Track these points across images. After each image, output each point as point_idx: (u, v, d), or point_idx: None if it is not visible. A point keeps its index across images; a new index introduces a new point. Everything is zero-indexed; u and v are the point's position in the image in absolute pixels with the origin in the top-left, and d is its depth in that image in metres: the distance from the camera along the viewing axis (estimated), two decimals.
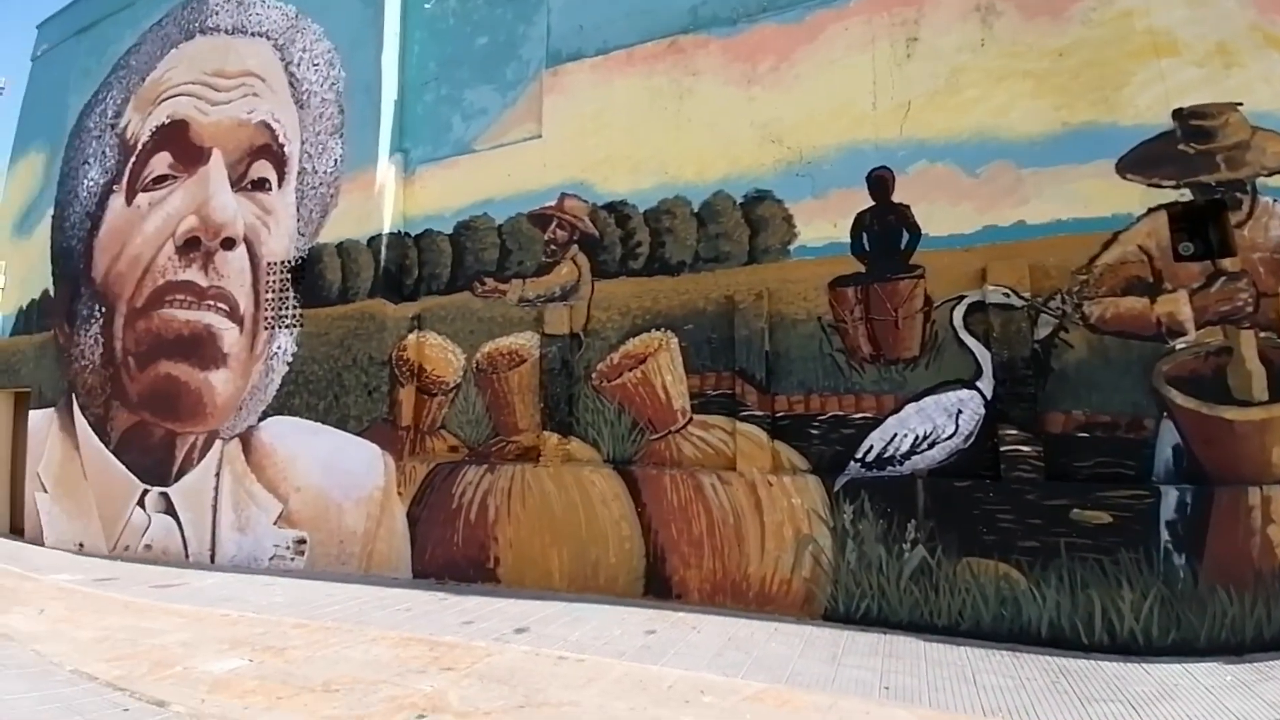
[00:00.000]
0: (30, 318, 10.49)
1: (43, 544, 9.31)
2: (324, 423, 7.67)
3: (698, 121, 6.56)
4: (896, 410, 5.40)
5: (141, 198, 9.31)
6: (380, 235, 7.76)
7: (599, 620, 5.36)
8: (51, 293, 10.09)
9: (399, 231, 7.87)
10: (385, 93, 8.05)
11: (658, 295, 6.47)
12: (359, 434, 7.49)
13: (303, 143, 8.36)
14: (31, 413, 9.98)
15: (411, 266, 7.79)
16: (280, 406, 7.92)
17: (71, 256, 9.85)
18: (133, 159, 9.52)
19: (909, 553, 5.08)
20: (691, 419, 6.17)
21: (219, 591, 6.44)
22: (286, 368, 7.97)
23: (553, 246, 7.06)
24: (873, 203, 5.71)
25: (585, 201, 7.00)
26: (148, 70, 9.72)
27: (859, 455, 5.46)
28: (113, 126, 9.89)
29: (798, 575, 5.41)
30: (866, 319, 5.59)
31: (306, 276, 8.05)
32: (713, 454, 6.01)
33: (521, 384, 6.99)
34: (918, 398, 5.34)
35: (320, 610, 5.63)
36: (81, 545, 8.89)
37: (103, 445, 8.94)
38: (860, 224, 5.74)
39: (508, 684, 3.96)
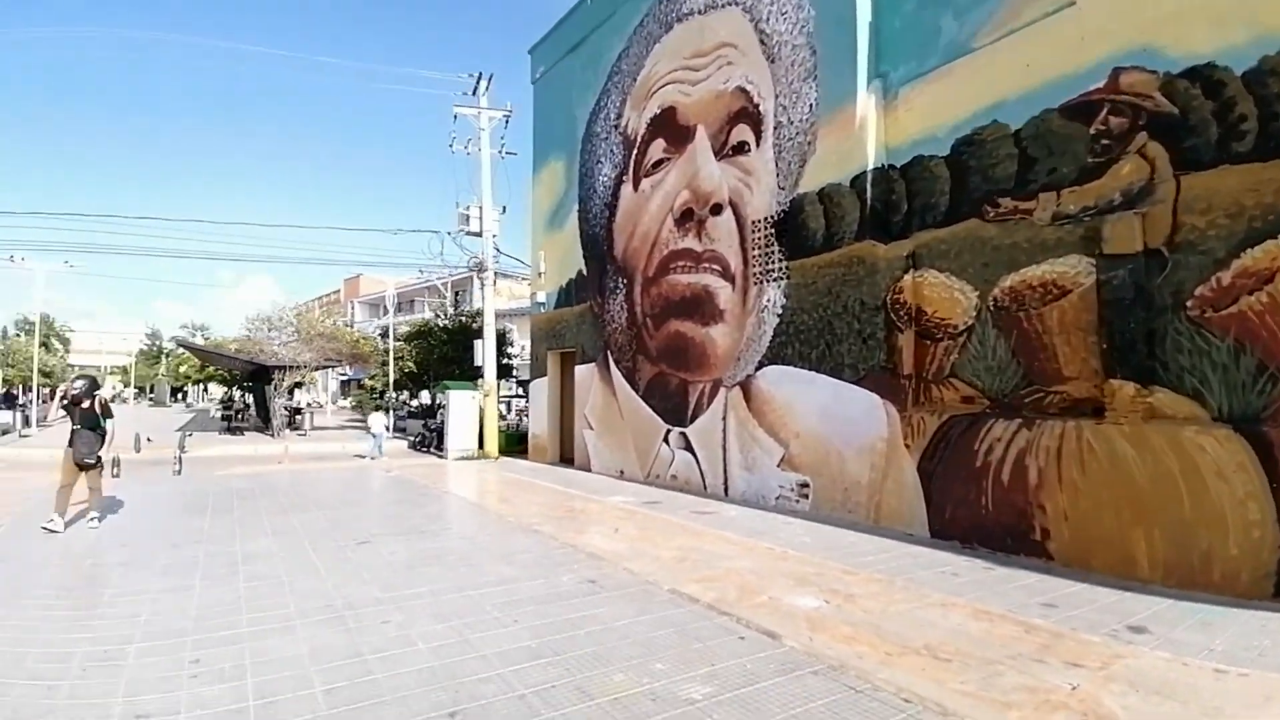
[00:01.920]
0: (569, 294, 13.44)
1: (589, 470, 11.94)
2: (818, 371, 7.70)
3: None
4: None
5: (645, 183, 10.86)
6: (864, 173, 7.30)
7: (1235, 626, 3.97)
8: (584, 272, 12.71)
9: (883, 166, 7.28)
10: (860, 16, 7.46)
11: None
12: (855, 382, 7.28)
13: (776, 97, 8.43)
14: (577, 368, 12.84)
15: (899, 201, 7.13)
16: (774, 356, 8.29)
17: (596, 241, 12.21)
18: (634, 151, 11.16)
19: None
20: None
21: (748, 524, 7.03)
22: (777, 319, 8.27)
23: (1104, 141, 5.49)
24: None
25: (1152, 72, 5.22)
26: (637, 71, 11.21)
27: None
28: (616, 127, 11.78)
29: None
30: None
31: (789, 229, 8.16)
32: None
33: (1064, 321, 5.70)
34: None
35: (857, 559, 5.55)
36: (622, 473, 11.06)
37: (633, 392, 10.90)
38: None
39: (1170, 697, 3.06)
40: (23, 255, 24.08)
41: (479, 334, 21.59)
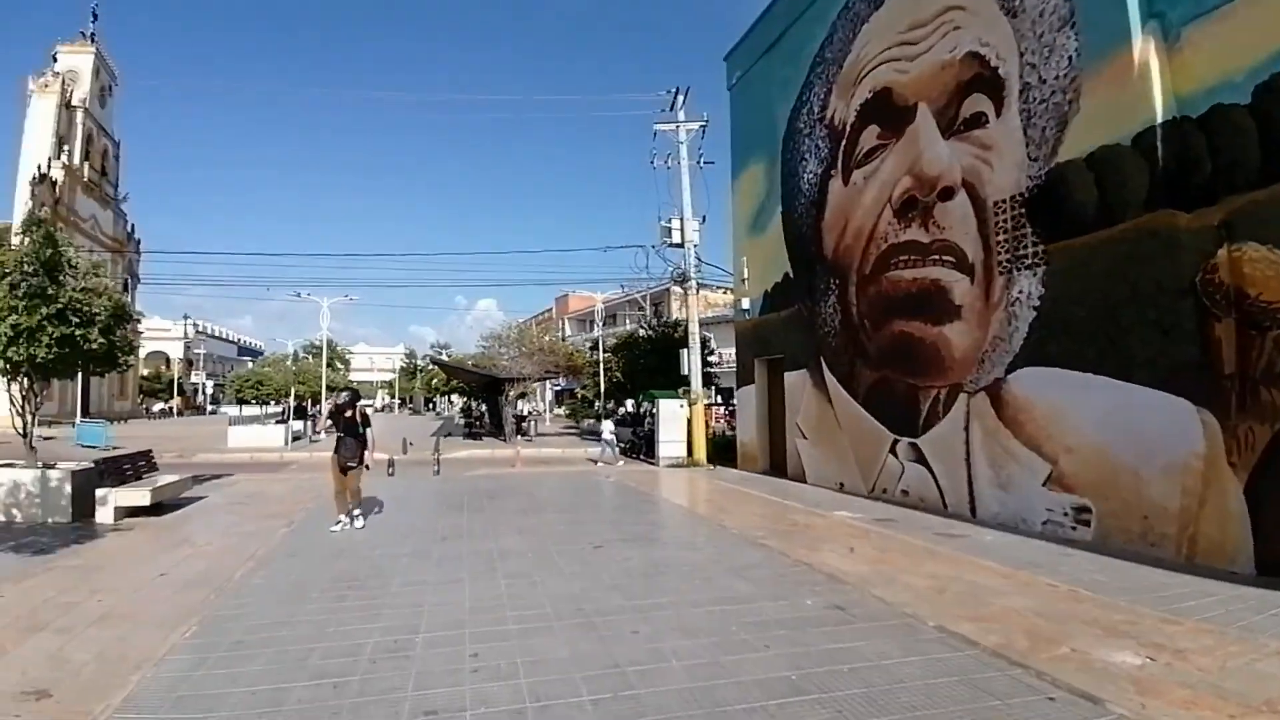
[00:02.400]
0: (774, 299, 13.03)
1: (804, 481, 11.36)
2: (1095, 373, 6.46)
3: None
4: None
5: (856, 175, 10.16)
6: (1151, 128, 6.00)
7: None
8: (790, 275, 12.24)
9: (1175, 118, 5.92)
10: None
11: None
12: (1154, 385, 5.96)
13: (1021, 56, 7.32)
14: (786, 375, 12.37)
15: (1201, 160, 5.72)
16: (1031, 356, 7.15)
17: (803, 242, 11.69)
18: (843, 143, 10.50)
19: None
20: None
21: (1012, 552, 6.08)
22: (1033, 313, 7.13)
23: None
24: None
25: None
26: (843, 57, 10.54)
27: None
28: (820, 120, 11.20)
29: None
30: None
31: (1046, 206, 7.00)
32: None
33: None
34: None
35: (1174, 604, 4.47)
36: (842, 485, 10.38)
37: (851, 398, 10.20)
38: None
39: None
40: (309, 292, 30.06)
41: (680, 343, 22.04)
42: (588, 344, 33.02)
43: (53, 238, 7.47)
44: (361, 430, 7.50)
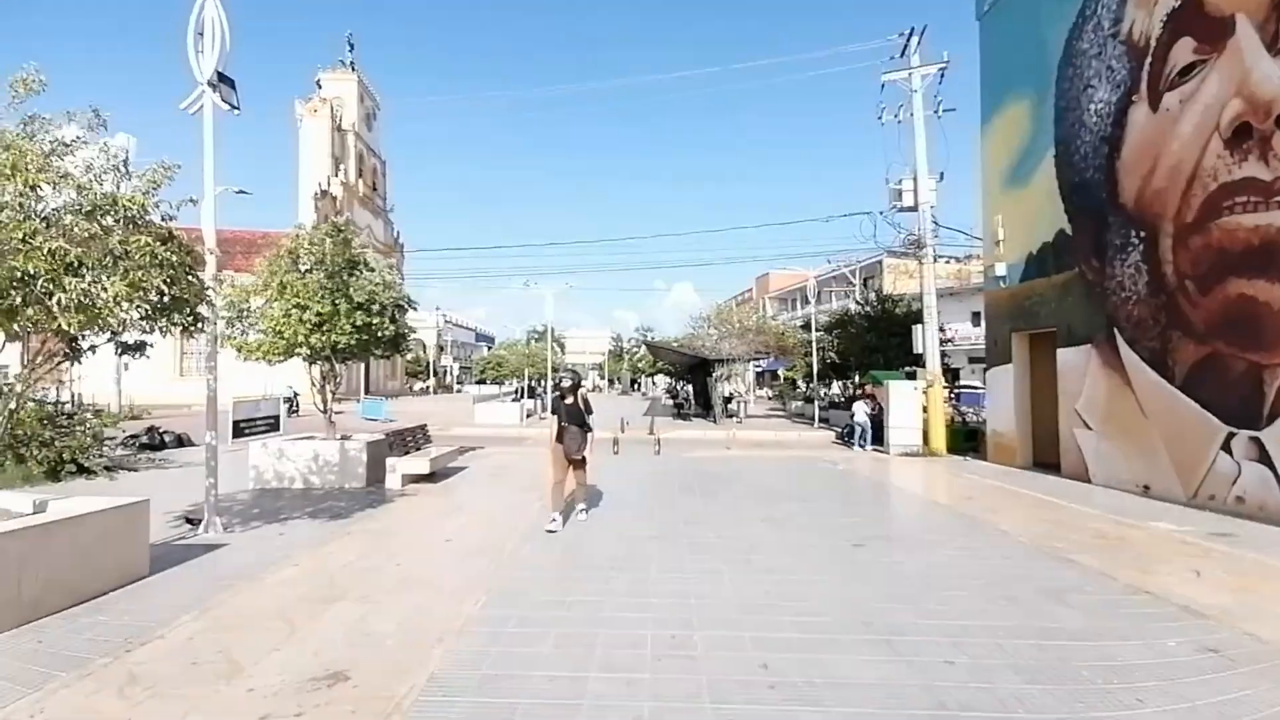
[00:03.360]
0: (1042, 262, 11.00)
1: (1087, 480, 9.45)
2: None
3: None
4: None
5: (1168, 98, 8.05)
6: None
7: None
8: (1067, 231, 10.22)
9: None
10: None
11: None
12: None
13: None
14: (1059, 351, 10.40)
15: None
16: None
17: (1087, 189, 9.65)
18: (1147, 60, 8.39)
19: None
20: None
21: None
22: None
23: None
24: None
25: None
26: None
27: None
28: (1113, 36, 9.07)
29: None
30: None
31: None
32: None
33: None
34: None
35: None
36: (1147, 488, 8.43)
37: (1162, 380, 8.20)
38: None
39: None
40: (535, 281, 32.84)
41: (900, 320, 20.11)
42: (795, 323, 31.70)
43: (349, 240, 8.67)
44: (586, 419, 6.64)
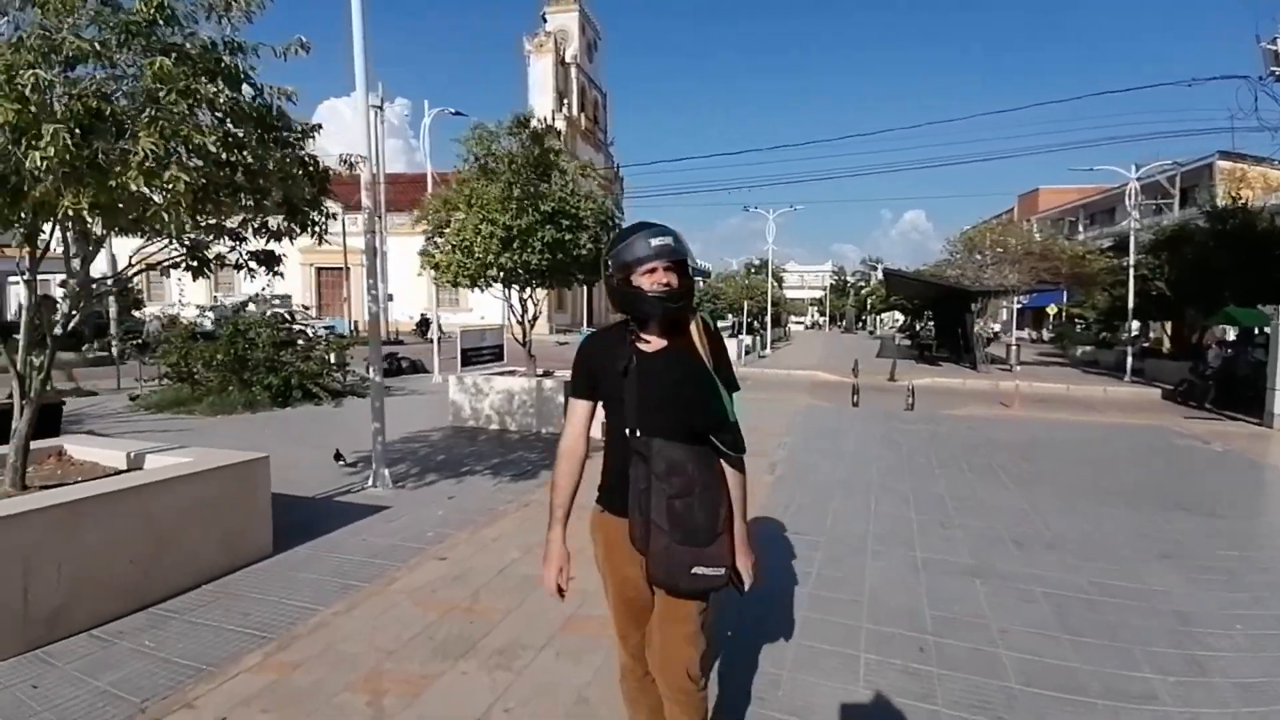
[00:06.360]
0: None
1: None
2: None
3: None
4: None
5: None
6: None
7: None
8: None
9: None
10: None
11: None
12: None
13: None
14: None
15: None
16: None
17: None
18: None
19: None
20: None
21: None
22: None
23: None
24: None
25: None
26: None
27: None
28: None
29: None
30: None
31: None
32: None
33: None
34: None
35: None
36: None
37: None
38: None
39: None
40: (756, 206, 30.05)
41: (1264, 239, 13.99)
42: (1099, 244, 24.83)
43: (539, 136, 7.06)
44: (712, 407, 3.66)
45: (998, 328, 37.07)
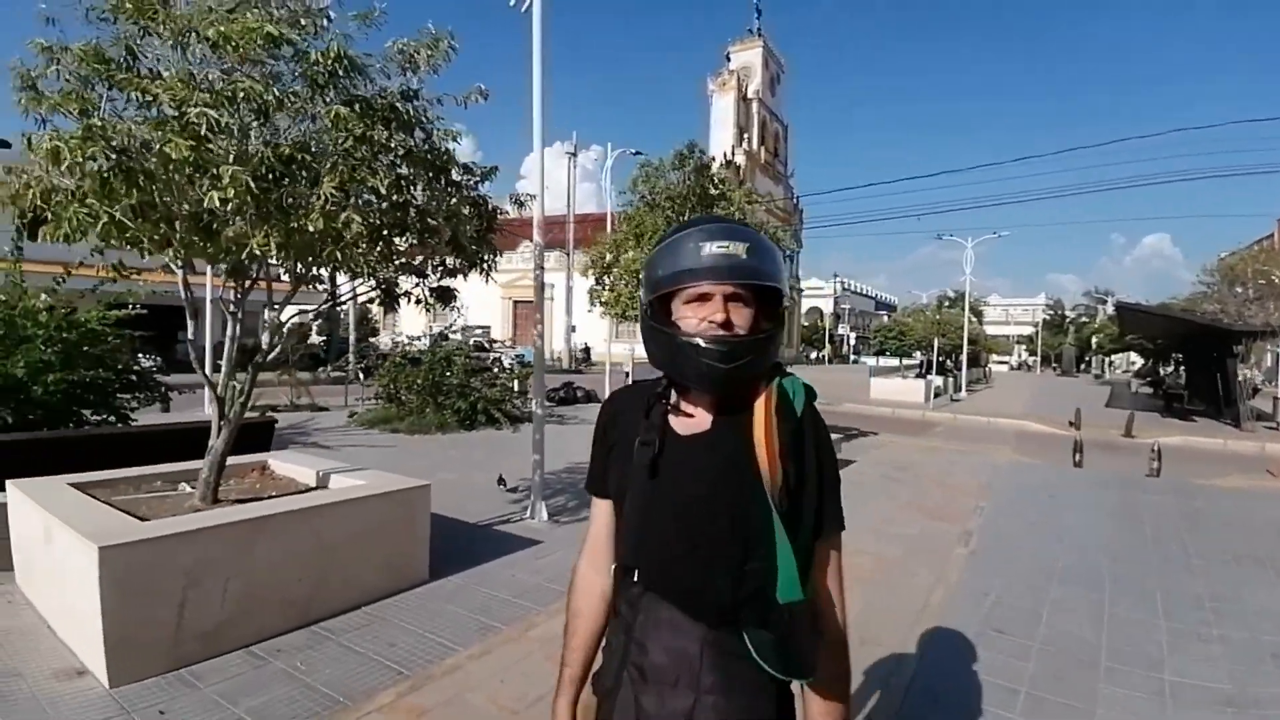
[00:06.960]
0: None
1: None
2: None
3: None
4: None
5: None
6: None
7: None
8: None
9: None
10: None
11: None
12: None
13: None
14: None
15: None
16: None
17: None
18: None
19: None
20: None
21: None
22: None
23: None
24: None
25: None
26: None
27: None
28: None
29: None
30: None
31: None
32: None
33: None
34: None
35: None
36: None
37: None
38: None
39: None
40: (950, 234, 27.44)
41: None
42: None
43: (703, 169, 6.97)
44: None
45: (1260, 376, 29.80)
